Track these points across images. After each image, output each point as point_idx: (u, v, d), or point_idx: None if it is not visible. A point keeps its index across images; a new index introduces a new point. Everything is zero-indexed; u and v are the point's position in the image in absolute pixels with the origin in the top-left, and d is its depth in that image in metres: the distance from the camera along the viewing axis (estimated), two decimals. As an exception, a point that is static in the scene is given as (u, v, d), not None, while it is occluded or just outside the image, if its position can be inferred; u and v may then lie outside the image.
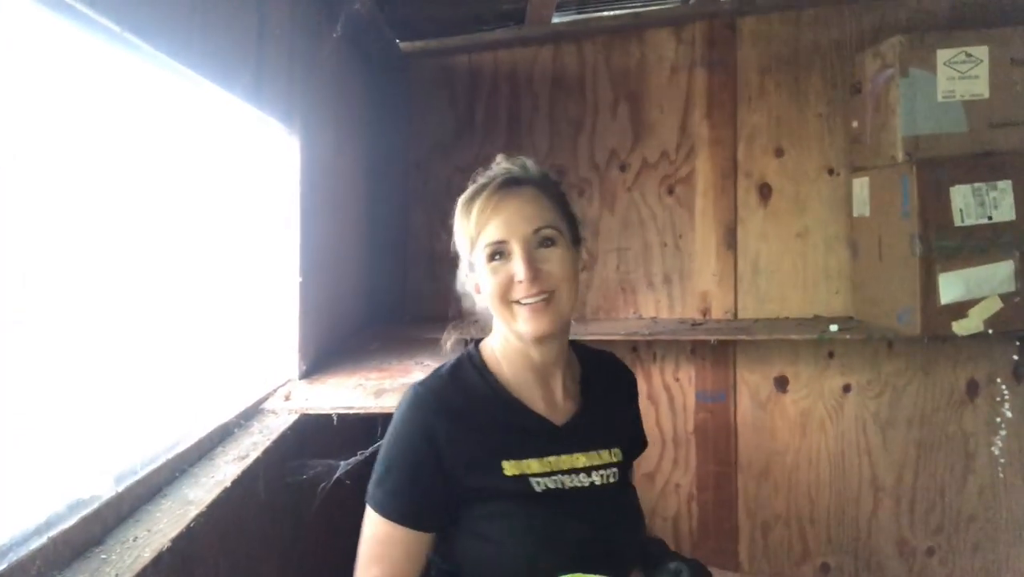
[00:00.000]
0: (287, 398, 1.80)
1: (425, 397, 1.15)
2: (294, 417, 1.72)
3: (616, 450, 1.22)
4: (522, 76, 2.94)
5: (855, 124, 2.68)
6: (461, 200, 1.20)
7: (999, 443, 2.70)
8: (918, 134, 2.35)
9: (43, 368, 1.08)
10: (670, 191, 2.91)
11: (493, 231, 1.13)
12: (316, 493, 1.70)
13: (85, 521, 1.03)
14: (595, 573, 1.03)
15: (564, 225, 1.18)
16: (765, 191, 2.87)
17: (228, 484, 1.30)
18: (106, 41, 1.06)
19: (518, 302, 1.12)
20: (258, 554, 1.59)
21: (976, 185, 2.33)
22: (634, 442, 1.32)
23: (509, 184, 1.16)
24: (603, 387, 1.27)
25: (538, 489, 1.12)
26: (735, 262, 2.87)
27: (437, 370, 1.22)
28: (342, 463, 1.76)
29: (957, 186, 2.33)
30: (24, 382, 1.03)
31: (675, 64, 2.90)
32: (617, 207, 2.91)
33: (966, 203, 2.32)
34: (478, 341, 1.26)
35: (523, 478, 1.11)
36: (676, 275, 2.90)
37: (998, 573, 2.73)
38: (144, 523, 1.13)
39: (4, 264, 0.98)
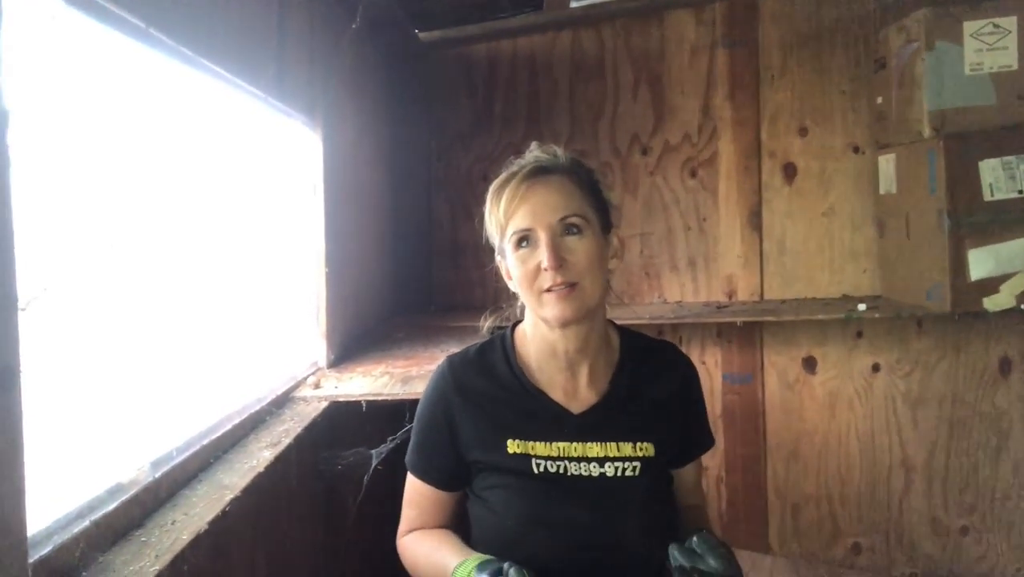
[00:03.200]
0: (317, 386, 1.84)
1: (447, 372, 1.23)
2: (324, 405, 1.76)
3: (646, 444, 1.18)
4: (541, 62, 2.94)
5: (880, 100, 2.64)
6: (492, 188, 1.21)
7: (1034, 421, 2.66)
8: (945, 108, 2.31)
9: (83, 358, 1.12)
10: (693, 174, 2.89)
11: (520, 219, 1.15)
12: (348, 478, 1.73)
13: (125, 505, 1.07)
14: (596, 562, 1.09)
15: (593, 213, 1.18)
16: (790, 171, 2.84)
17: (261, 469, 1.34)
18: (132, 38, 1.09)
19: (545, 289, 1.14)
20: (293, 537, 1.63)
21: (1006, 159, 2.28)
22: (687, 439, 1.28)
23: (538, 172, 1.17)
24: (644, 379, 1.24)
25: (537, 470, 1.16)
26: (760, 243, 2.85)
27: (470, 346, 1.29)
28: (374, 452, 1.79)
29: (986, 160, 2.29)
30: (66, 371, 1.06)
31: (696, 45, 2.87)
32: (640, 191, 2.91)
33: (995, 177, 2.28)
34: (515, 324, 1.29)
35: (525, 458, 1.16)
36: (701, 258, 2.89)
37: (1034, 551, 2.70)
38: (181, 507, 1.16)
39: (50, 258, 1.02)
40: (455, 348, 2.29)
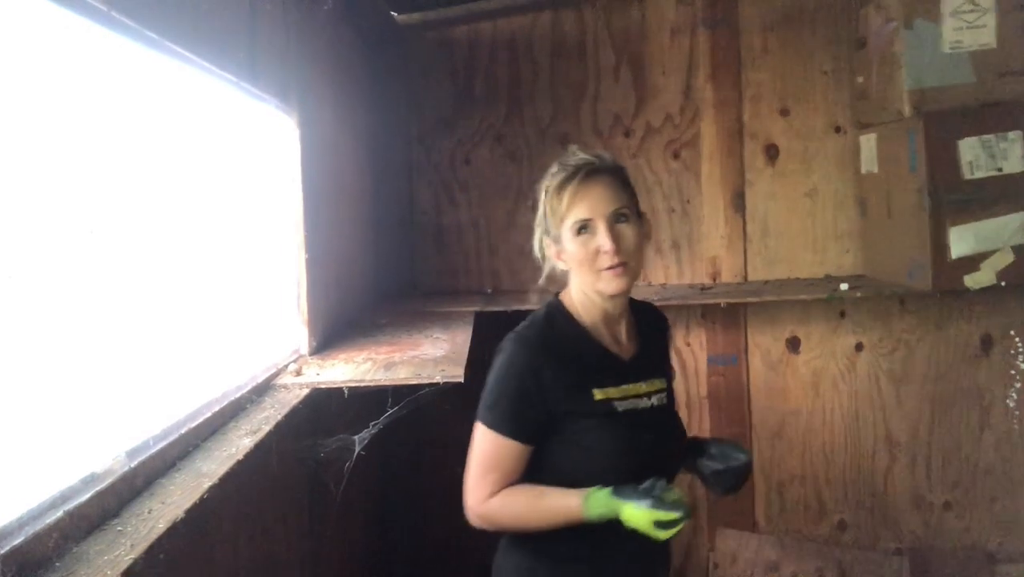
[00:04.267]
0: (298, 373, 1.83)
1: (531, 339, 1.43)
2: (305, 392, 1.74)
3: (662, 379, 1.51)
4: (521, 44, 2.92)
5: (860, 80, 2.64)
6: (552, 185, 1.43)
7: (1014, 396, 2.69)
8: (924, 87, 2.31)
9: (58, 345, 1.10)
10: (676, 156, 2.88)
11: (581, 211, 1.40)
12: (331, 465, 1.73)
13: (100, 495, 1.06)
14: (657, 474, 1.32)
15: (632, 204, 1.44)
16: (772, 152, 2.84)
17: (241, 457, 1.33)
18: (94, 21, 1.07)
19: (604, 268, 1.39)
20: (276, 524, 1.63)
21: (985, 137, 2.29)
22: (669, 372, 1.60)
23: (592, 172, 1.41)
24: (648, 330, 1.57)
25: (620, 409, 1.42)
26: (744, 225, 2.85)
27: (533, 318, 1.48)
28: (356, 437, 1.79)
29: (966, 139, 2.29)
30: (40, 360, 1.05)
31: (676, 25, 2.86)
32: (622, 174, 2.89)
33: (975, 155, 2.29)
34: (556, 294, 1.52)
35: (607, 402, 1.42)
36: (684, 240, 2.89)
37: (1015, 525, 2.73)
38: (158, 496, 1.15)
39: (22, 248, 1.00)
40: (439, 334, 2.29)
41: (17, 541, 0.88)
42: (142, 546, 0.99)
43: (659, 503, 1.26)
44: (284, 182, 1.96)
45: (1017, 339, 2.68)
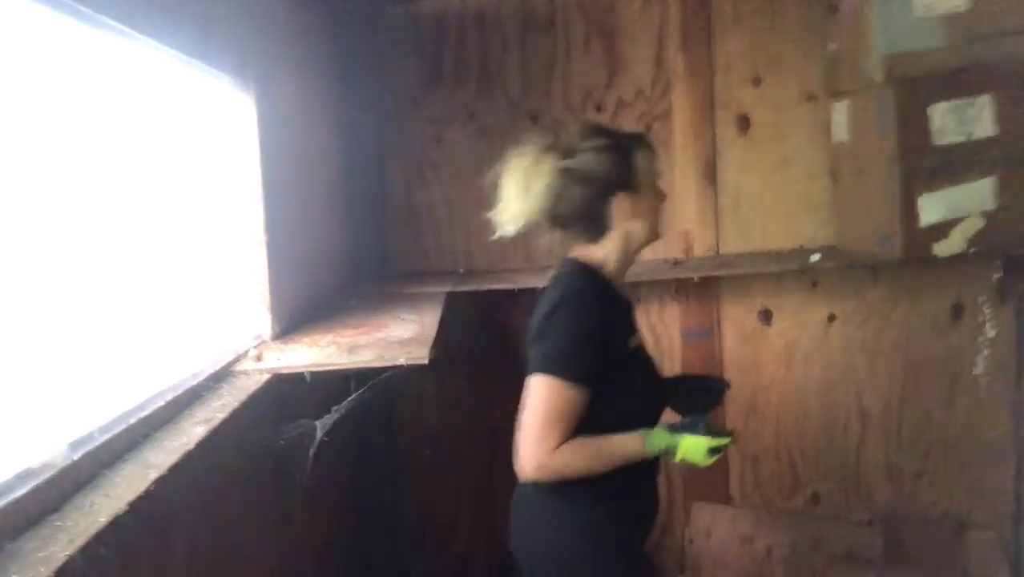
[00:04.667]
0: (258, 359, 1.79)
1: (597, 291, 1.55)
2: (265, 377, 1.71)
3: None
4: (490, 18, 2.85)
5: (832, 46, 2.60)
6: (643, 144, 1.64)
7: (982, 364, 2.70)
8: (895, 52, 2.28)
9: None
10: (648, 129, 2.84)
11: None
12: (294, 452, 1.70)
13: (37, 490, 1.03)
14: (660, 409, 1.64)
15: None
16: (744, 122, 2.81)
17: (192, 446, 1.30)
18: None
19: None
20: (239, 514, 1.60)
21: (954, 102, 2.27)
22: None
23: None
24: None
25: (644, 355, 1.64)
26: (715, 198, 2.82)
27: (574, 276, 1.58)
28: (318, 423, 1.76)
29: (935, 104, 2.27)
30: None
31: (646, -5, 2.80)
32: (593, 148, 2.85)
33: (944, 121, 2.27)
34: (570, 260, 1.64)
35: (640, 348, 1.63)
36: (657, 214, 2.85)
37: (985, 492, 2.75)
38: (102, 489, 1.12)
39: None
40: (408, 315, 2.26)
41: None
42: (80, 541, 0.96)
43: (712, 432, 1.46)
44: (242, 161, 1.91)
45: (986, 307, 2.68)
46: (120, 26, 1.28)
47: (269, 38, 2.06)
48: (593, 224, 1.60)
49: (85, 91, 1.36)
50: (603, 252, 1.61)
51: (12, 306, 1.11)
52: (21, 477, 1.03)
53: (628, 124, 2.83)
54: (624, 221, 1.59)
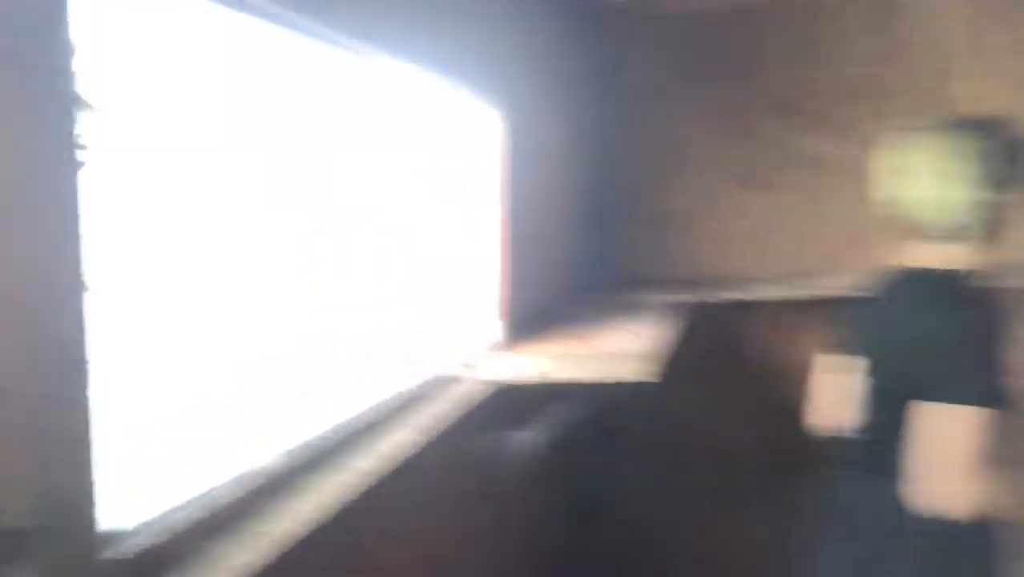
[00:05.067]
0: (482, 366, 1.77)
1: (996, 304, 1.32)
2: (487, 387, 1.68)
3: None
4: (742, 9, 2.60)
5: None
6: None
7: None
8: None
9: (220, 339, 1.14)
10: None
11: None
12: (514, 463, 1.65)
13: (247, 493, 1.05)
14: None
15: None
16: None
17: (408, 455, 1.29)
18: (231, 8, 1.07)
19: None
20: (449, 524, 1.58)
21: None
22: None
23: None
24: None
25: None
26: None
27: (989, 289, 1.34)
28: (534, 436, 1.69)
29: None
30: (199, 356, 1.08)
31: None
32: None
33: None
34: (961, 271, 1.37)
35: None
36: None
37: None
38: (310, 495, 1.13)
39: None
40: (636, 326, 2.12)
41: (150, 541, 0.88)
42: (281, 546, 0.97)
43: None
44: (485, 171, 1.91)
45: None
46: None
47: (520, 54, 2.05)
48: (994, 225, 1.36)
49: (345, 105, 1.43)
50: (985, 258, 1.36)
51: (243, 313, 1.17)
52: (235, 480, 1.06)
53: (900, 115, 2.43)
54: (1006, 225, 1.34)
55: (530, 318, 2.13)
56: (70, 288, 0.71)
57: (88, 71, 0.70)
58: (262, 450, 1.14)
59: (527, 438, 1.68)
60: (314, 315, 1.37)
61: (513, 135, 1.92)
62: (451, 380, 1.72)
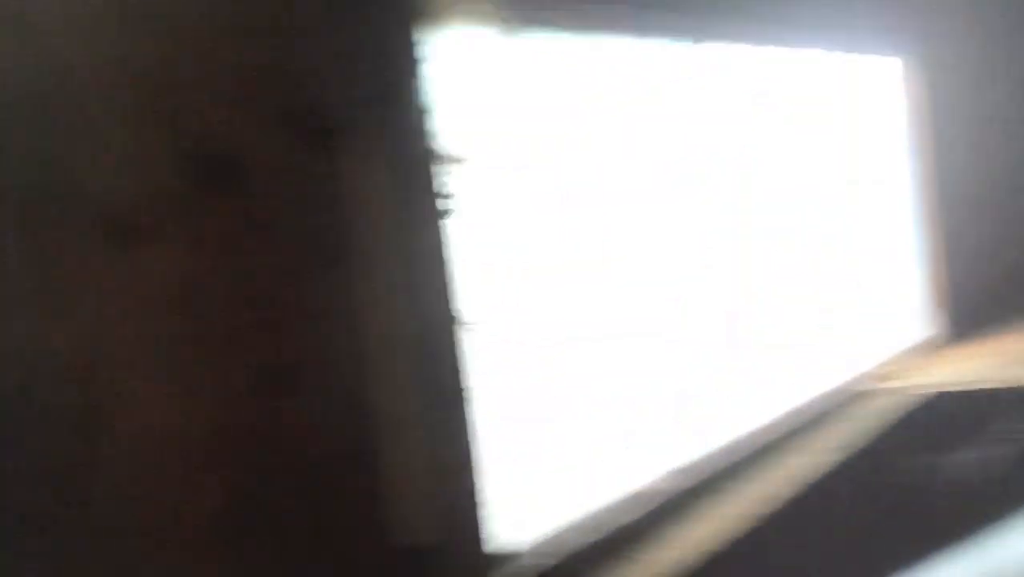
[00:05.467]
0: (902, 374, 1.49)
1: None
2: (918, 395, 1.40)
3: None
4: None
5: None
6: None
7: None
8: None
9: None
10: None
11: None
12: (950, 487, 1.35)
13: (642, 515, 1.02)
14: None
15: None
16: None
17: (818, 476, 1.14)
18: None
19: None
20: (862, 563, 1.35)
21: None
22: None
23: None
24: None
25: None
26: None
27: None
28: (986, 456, 1.36)
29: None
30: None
31: None
32: None
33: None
34: None
35: None
36: None
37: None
38: (704, 519, 1.05)
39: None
40: None
41: (542, 562, 0.89)
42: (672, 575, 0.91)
43: None
44: (899, 140, 1.62)
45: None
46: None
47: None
48: None
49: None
50: None
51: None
52: (623, 502, 1.03)
53: None
54: None
55: (972, 306, 1.74)
56: (444, 325, 0.76)
57: (450, 125, 0.74)
58: (652, 469, 1.09)
59: (974, 459, 1.35)
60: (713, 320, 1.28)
61: (935, 88, 1.58)
62: (863, 389, 1.47)
